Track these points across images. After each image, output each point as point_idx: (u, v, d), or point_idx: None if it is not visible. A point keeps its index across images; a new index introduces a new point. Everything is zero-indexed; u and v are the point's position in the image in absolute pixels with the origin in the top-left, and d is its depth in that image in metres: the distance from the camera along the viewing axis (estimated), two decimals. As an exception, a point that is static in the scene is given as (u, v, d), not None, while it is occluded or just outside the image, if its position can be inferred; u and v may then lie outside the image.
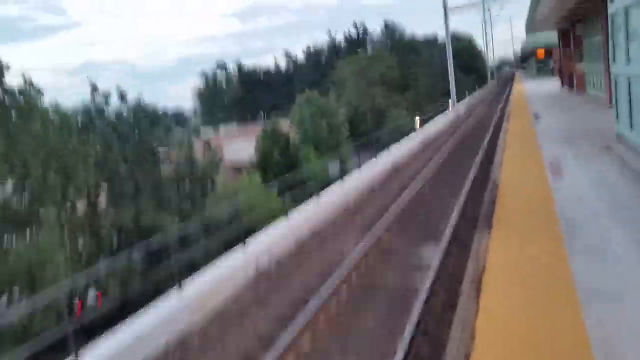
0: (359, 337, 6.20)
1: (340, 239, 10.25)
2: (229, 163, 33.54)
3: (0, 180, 16.21)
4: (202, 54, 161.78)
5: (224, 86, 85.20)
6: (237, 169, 34.98)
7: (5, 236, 15.40)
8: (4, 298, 14.21)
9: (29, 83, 18.39)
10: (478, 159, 15.63)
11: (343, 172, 14.96)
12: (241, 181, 26.22)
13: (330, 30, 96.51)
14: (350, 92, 57.16)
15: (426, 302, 6.35)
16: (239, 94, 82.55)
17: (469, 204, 10.78)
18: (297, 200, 13.10)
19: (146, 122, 25.12)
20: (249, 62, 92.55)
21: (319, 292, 7.21)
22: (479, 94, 60.88)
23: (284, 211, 12.37)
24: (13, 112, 18.00)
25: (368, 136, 22.88)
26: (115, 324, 7.02)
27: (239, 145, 39.14)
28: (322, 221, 11.41)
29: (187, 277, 7.82)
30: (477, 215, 9.20)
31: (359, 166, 15.36)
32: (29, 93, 18.36)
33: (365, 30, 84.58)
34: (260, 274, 8.65)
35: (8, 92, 17.91)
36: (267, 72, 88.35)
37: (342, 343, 6.15)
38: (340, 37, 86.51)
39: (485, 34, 76.89)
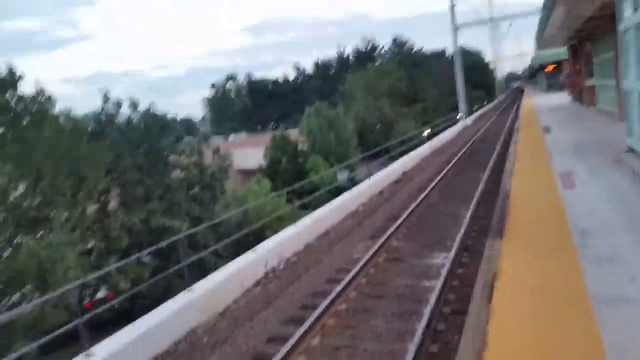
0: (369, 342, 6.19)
1: (348, 244, 10.29)
2: (238, 170, 33.77)
3: (14, 183, 16.50)
4: (212, 67, 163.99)
5: (233, 96, 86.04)
6: (246, 176, 35.20)
7: (18, 236, 15.61)
8: (17, 294, 14.39)
9: (41, 91, 18.89)
10: (488, 170, 15.67)
11: (352, 181, 15.09)
12: (250, 187, 26.34)
13: (339, 45, 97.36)
14: (359, 105, 57.49)
15: (436, 305, 6.37)
16: (248, 105, 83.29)
17: (479, 214, 10.80)
18: (306, 207, 13.23)
19: (156, 129, 25.42)
20: (258, 75, 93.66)
21: (326, 295, 7.24)
22: (488, 107, 60.95)
23: (293, 217, 12.47)
24: (26, 119, 18.43)
25: (376, 147, 23.01)
26: (126, 322, 7.12)
27: (248, 153, 39.43)
28: (330, 227, 11.49)
29: (197, 279, 7.92)
30: (487, 225, 9.21)
31: (369, 175, 15.41)
32: (41, 101, 18.85)
33: (374, 45, 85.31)
34: (268, 277, 8.71)
35: (21, 100, 18.41)
36: (276, 84, 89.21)
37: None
38: (349, 51, 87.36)
39: (494, 49, 77.21)
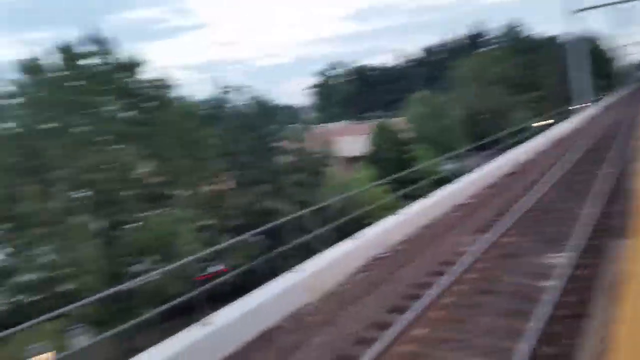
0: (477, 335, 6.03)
1: (453, 237, 10.04)
2: (341, 157, 34.20)
3: (142, 162, 18.21)
4: (318, 54, 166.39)
5: (337, 84, 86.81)
6: (348, 163, 35.52)
7: (144, 211, 17.24)
8: (140, 265, 15.93)
9: (164, 77, 20.43)
10: (609, 165, 14.39)
11: (459, 171, 14.64)
12: (353, 174, 26.62)
13: (445, 30, 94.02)
14: (468, 92, 55.16)
15: (552, 305, 6.04)
16: (352, 92, 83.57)
17: (601, 211, 9.98)
18: (410, 196, 13.08)
19: (263, 115, 26.51)
20: (363, 62, 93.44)
21: (430, 287, 7.16)
22: (611, 97, 55.57)
23: (395, 206, 12.40)
24: (151, 104, 20.06)
25: (486, 137, 22.03)
26: (236, 296, 7.60)
27: (351, 140, 39.68)
28: (436, 218, 11.28)
29: (301, 261, 8.23)
30: (610, 224, 8.50)
31: (478, 166, 14.86)
32: (164, 86, 20.40)
33: (483, 30, 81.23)
34: (372, 264, 8.80)
35: (146, 85, 20.00)
36: (381, 71, 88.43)
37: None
38: (456, 37, 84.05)
39: (617, 35, 69.84)
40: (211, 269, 19.00)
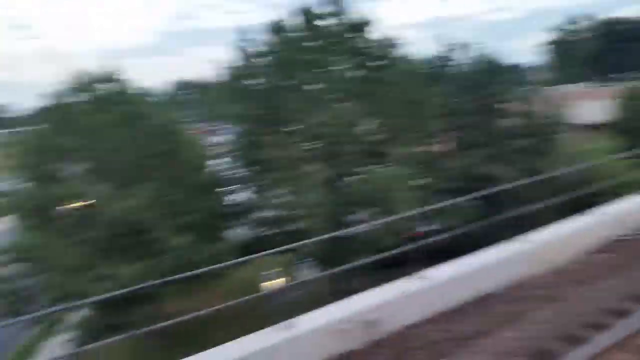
0: None
1: None
2: (578, 123, 30.44)
3: (365, 120, 19.09)
4: (554, 7, 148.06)
5: (577, 40, 76.39)
6: (587, 131, 31.42)
7: (364, 165, 18.23)
8: (357, 215, 17.05)
9: (389, 36, 20.63)
10: None
11: None
12: (591, 144, 23.49)
13: None
14: None
15: None
16: (596, 50, 72.58)
17: None
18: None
19: (489, 74, 24.91)
20: (613, 14, 79.97)
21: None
22: None
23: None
24: (377, 62, 20.56)
25: None
26: (449, 258, 7.56)
27: (592, 105, 34.84)
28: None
29: (524, 231, 7.71)
30: None
31: None
32: (389, 45, 20.61)
33: None
34: (611, 245, 7.78)
35: (373, 44, 20.49)
36: (635, 25, 74.54)
37: None
38: None
39: None
40: (423, 228, 19.23)
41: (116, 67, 18.62)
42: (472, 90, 24.28)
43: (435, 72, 25.18)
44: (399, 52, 21.08)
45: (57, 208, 15.70)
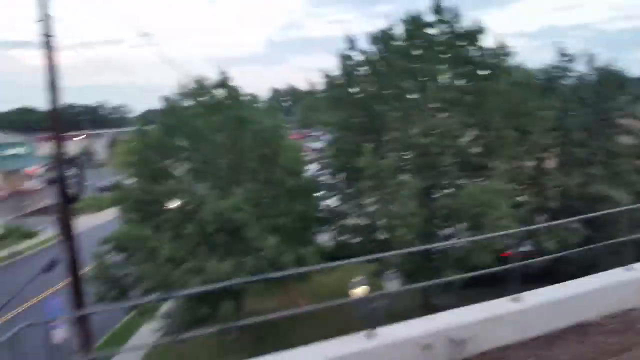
0: None
1: None
2: None
3: (464, 130, 18.36)
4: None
5: None
6: None
7: (461, 178, 17.55)
8: (449, 229, 16.48)
9: (500, 45, 19.65)
10: None
11: None
12: None
13: None
14: None
15: None
16: None
17: None
18: None
19: (610, 88, 22.86)
20: None
21: None
22: None
23: None
24: (484, 72, 19.72)
25: None
26: (545, 281, 7.04)
27: None
28: None
29: (634, 259, 7.02)
30: None
31: None
32: (500, 54, 19.66)
33: None
34: None
35: (482, 52, 19.66)
36: None
37: None
38: None
39: None
40: (518, 248, 18.13)
41: (226, 73, 19.64)
42: (586, 103, 22.49)
43: (549, 83, 23.64)
44: (509, 61, 20.08)
45: (159, 203, 16.84)
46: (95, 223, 37.04)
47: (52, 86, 18.09)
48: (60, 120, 18.61)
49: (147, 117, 26.34)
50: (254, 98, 21.60)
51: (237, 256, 14.90)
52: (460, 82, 19.72)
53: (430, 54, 19.32)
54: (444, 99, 18.75)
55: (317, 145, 35.26)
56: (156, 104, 21.13)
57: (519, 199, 18.08)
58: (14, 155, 72.34)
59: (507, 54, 19.80)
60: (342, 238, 19.46)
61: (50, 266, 13.19)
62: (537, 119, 18.92)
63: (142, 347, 17.96)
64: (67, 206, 18.17)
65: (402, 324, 6.08)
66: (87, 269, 17.95)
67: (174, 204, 16.61)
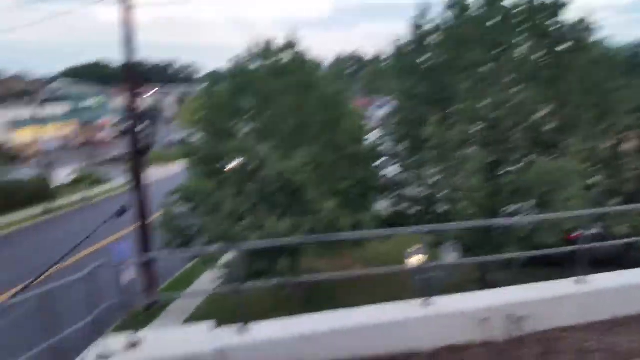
0: None
1: None
2: None
3: (539, 106, 17.50)
4: None
5: None
6: None
7: (531, 154, 16.84)
8: (517, 207, 15.98)
9: (581, 19, 18.47)
10: None
11: None
12: None
13: None
14: None
15: None
16: None
17: None
18: None
19: None
20: None
21: None
22: None
23: None
24: (564, 46, 18.57)
25: None
26: (614, 266, 6.74)
27: None
28: None
29: None
30: None
31: None
32: (581, 28, 18.51)
33: None
34: None
35: (562, 26, 18.52)
36: None
37: None
38: None
39: None
40: (587, 231, 17.30)
41: (294, 37, 19.59)
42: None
43: (636, 60, 21.96)
44: (593, 36, 18.77)
45: (224, 160, 17.41)
46: (163, 175, 38.78)
47: (128, 41, 18.85)
48: (134, 75, 19.45)
49: (214, 76, 26.89)
50: (318, 63, 21.48)
51: (295, 216, 15.19)
52: (541, 56, 18.67)
53: (507, 25, 18.36)
54: (519, 71, 17.87)
55: (381, 112, 34.81)
56: (224, 64, 21.51)
57: (592, 180, 17.17)
58: (89, 107, 76.55)
59: (589, 29, 18.51)
60: (400, 207, 19.35)
61: (122, 212, 14.05)
62: (619, 98, 17.70)
63: (202, 294, 18.98)
64: (138, 157, 19.19)
65: (460, 296, 6.07)
66: (155, 217, 18.98)
67: (237, 162, 17.10)
